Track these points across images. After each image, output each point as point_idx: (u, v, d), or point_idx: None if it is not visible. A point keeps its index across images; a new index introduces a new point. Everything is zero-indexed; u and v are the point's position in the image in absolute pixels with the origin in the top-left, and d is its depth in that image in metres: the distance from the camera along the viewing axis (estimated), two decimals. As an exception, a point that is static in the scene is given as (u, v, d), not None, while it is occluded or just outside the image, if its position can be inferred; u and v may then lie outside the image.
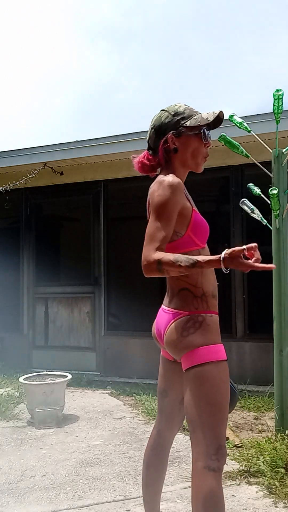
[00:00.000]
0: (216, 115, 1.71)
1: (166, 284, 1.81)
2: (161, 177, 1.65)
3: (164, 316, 1.75)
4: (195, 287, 1.67)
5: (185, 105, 1.76)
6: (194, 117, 1.71)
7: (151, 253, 1.54)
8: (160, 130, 1.73)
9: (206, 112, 1.74)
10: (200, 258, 1.51)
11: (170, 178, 1.62)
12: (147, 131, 1.82)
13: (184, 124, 1.70)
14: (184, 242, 1.67)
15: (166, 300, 1.79)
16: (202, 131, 1.71)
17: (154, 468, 1.88)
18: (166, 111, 1.74)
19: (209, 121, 1.70)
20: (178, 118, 1.71)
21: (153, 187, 1.66)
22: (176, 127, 1.70)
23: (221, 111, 1.72)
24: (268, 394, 4.33)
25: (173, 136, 1.70)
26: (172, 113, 1.72)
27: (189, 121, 1.70)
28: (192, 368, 1.61)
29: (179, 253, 1.57)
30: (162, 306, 1.81)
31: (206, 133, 1.72)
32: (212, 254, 1.62)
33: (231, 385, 1.67)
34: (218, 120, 1.74)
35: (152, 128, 1.76)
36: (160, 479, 1.90)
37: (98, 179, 5.85)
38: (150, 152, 1.79)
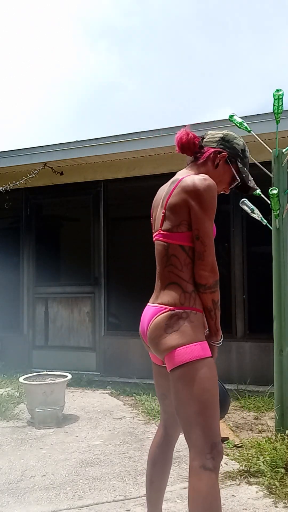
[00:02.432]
0: (251, 187, 1.86)
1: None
2: (206, 176, 1.68)
3: (149, 312, 1.75)
4: (186, 282, 1.67)
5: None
6: (245, 168, 1.86)
7: (215, 262, 1.67)
8: (224, 142, 1.83)
9: (251, 178, 1.88)
10: (218, 314, 1.70)
11: (213, 181, 1.68)
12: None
13: (237, 162, 1.83)
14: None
15: (153, 296, 1.80)
16: (236, 180, 1.85)
17: (160, 465, 1.89)
18: (242, 142, 1.87)
19: (248, 182, 1.83)
20: (240, 154, 1.84)
21: (197, 183, 1.65)
22: (233, 155, 1.82)
23: (256, 189, 1.89)
24: (268, 394, 4.33)
25: (225, 156, 1.81)
26: (243, 147, 1.86)
27: (240, 165, 1.84)
28: (176, 369, 1.61)
29: (188, 245, 1.67)
30: (149, 302, 1.81)
31: (234, 185, 1.86)
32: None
33: (221, 388, 1.70)
34: (247, 189, 1.88)
35: (223, 134, 1.84)
36: (165, 476, 1.91)
37: (98, 179, 5.85)
38: (201, 142, 1.84)
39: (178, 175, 1.78)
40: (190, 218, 1.66)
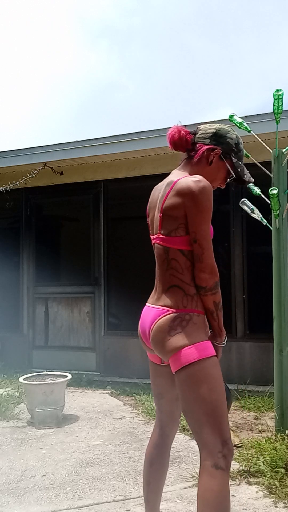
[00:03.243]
0: (246, 181, 1.83)
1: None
2: (201, 178, 1.66)
3: (150, 314, 1.74)
4: (188, 285, 1.67)
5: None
6: (240, 162, 1.82)
7: (215, 264, 1.66)
8: (217, 138, 1.79)
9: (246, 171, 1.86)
10: (221, 315, 1.70)
11: (208, 183, 1.66)
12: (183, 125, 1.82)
13: (231, 156, 1.80)
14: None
15: (153, 297, 1.78)
16: (231, 175, 1.82)
17: (157, 465, 1.89)
18: (235, 135, 1.83)
19: (243, 176, 1.81)
20: (234, 148, 1.80)
21: (191, 185, 1.63)
22: (226, 151, 1.79)
23: (251, 182, 1.88)
24: (268, 394, 4.33)
25: (219, 153, 1.78)
26: (236, 141, 1.81)
27: (235, 159, 1.80)
28: (182, 370, 1.61)
29: (187, 249, 1.66)
30: (148, 303, 1.80)
31: (230, 179, 1.83)
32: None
33: (225, 385, 1.71)
34: (242, 182, 1.85)
35: (215, 129, 1.80)
36: (162, 476, 1.91)
37: (98, 179, 5.85)
38: (193, 139, 1.80)
39: (172, 176, 1.76)
40: (187, 221, 1.65)
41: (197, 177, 1.66)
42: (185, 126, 1.84)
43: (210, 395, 1.58)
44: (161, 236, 1.72)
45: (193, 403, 1.59)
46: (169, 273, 1.70)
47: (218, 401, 1.59)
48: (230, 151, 1.79)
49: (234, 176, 1.82)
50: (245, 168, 1.84)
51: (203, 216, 1.63)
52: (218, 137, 1.79)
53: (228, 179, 1.84)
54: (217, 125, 1.82)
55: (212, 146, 1.77)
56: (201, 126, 1.83)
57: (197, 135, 1.81)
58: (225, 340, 1.73)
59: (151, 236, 1.82)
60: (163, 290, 1.72)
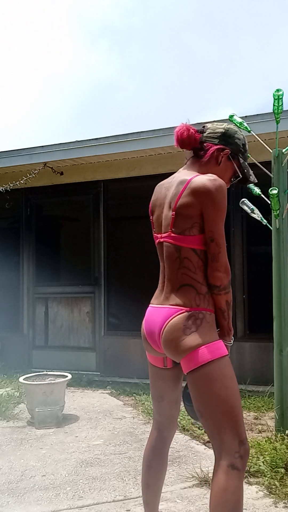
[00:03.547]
0: (250, 181, 1.86)
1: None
2: (216, 177, 1.67)
3: (160, 313, 1.71)
4: (200, 284, 1.66)
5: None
6: (246, 163, 1.85)
7: (228, 264, 1.67)
8: (226, 138, 1.79)
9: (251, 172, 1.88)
10: (231, 314, 1.71)
11: (223, 181, 1.67)
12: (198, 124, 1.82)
13: (239, 157, 1.81)
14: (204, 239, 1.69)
15: (158, 298, 1.76)
16: (237, 176, 1.84)
17: (155, 467, 1.88)
18: (242, 135, 1.84)
19: (248, 177, 1.83)
20: (242, 149, 1.82)
21: (208, 184, 1.63)
22: (235, 151, 1.80)
23: (255, 181, 1.89)
24: (268, 394, 4.33)
25: (228, 153, 1.79)
26: (243, 141, 1.83)
27: (242, 160, 1.82)
28: (197, 370, 1.59)
29: (200, 249, 1.66)
30: (153, 304, 1.78)
31: (236, 179, 1.85)
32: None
33: None
34: (247, 182, 1.88)
35: (224, 129, 1.80)
36: (161, 478, 1.90)
37: (98, 179, 5.85)
38: (201, 138, 1.80)
39: (184, 175, 1.73)
40: (202, 220, 1.64)
41: (212, 176, 1.66)
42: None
43: (226, 394, 1.58)
44: (172, 234, 1.69)
45: (210, 402, 1.58)
46: (181, 272, 1.68)
47: (234, 400, 1.59)
48: (237, 152, 1.80)
49: (241, 176, 1.83)
50: (249, 169, 1.85)
51: (220, 215, 1.64)
52: (227, 137, 1.79)
53: (233, 179, 1.84)
54: (225, 125, 1.82)
55: (221, 146, 1.77)
56: (209, 125, 1.83)
57: (205, 134, 1.80)
58: (233, 339, 1.73)
59: (157, 235, 1.80)
60: (173, 290, 1.70)
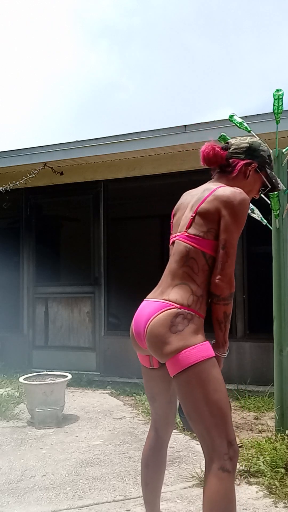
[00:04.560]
0: (278, 189, 1.91)
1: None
2: (241, 190, 1.72)
3: (150, 306, 1.71)
4: (198, 286, 1.67)
5: None
6: (273, 172, 1.90)
7: (233, 275, 1.67)
8: (251, 152, 1.84)
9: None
10: (228, 326, 1.71)
11: (247, 196, 1.72)
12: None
13: (266, 169, 1.86)
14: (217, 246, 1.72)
15: (154, 292, 1.77)
16: (268, 187, 1.90)
17: (153, 467, 1.88)
18: (266, 146, 1.90)
19: (277, 186, 1.88)
20: (267, 160, 1.87)
21: (232, 195, 1.68)
22: (262, 163, 1.85)
23: (284, 189, 1.98)
24: (268, 394, 4.33)
25: (255, 167, 1.84)
26: (268, 152, 1.89)
27: (269, 170, 1.88)
28: (183, 372, 1.59)
29: (209, 254, 1.69)
30: (147, 298, 1.79)
31: (265, 190, 1.92)
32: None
33: None
34: (275, 190, 1.93)
35: (248, 144, 1.86)
36: (160, 477, 1.91)
37: (98, 179, 5.85)
38: (227, 154, 1.85)
39: (211, 185, 1.79)
40: (219, 227, 1.68)
41: (238, 189, 1.71)
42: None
43: (214, 396, 1.57)
44: (186, 234, 1.73)
45: (197, 405, 1.58)
46: (183, 270, 1.70)
47: (222, 401, 1.58)
48: (264, 163, 1.85)
49: (269, 186, 1.88)
50: (277, 177, 1.90)
51: (237, 226, 1.68)
52: (252, 151, 1.84)
53: (262, 190, 1.90)
54: (248, 139, 1.87)
55: (248, 161, 1.83)
56: (232, 141, 1.89)
57: (230, 150, 1.86)
58: (227, 352, 1.73)
59: (172, 236, 1.84)
60: (170, 285, 1.71)
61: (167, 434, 1.90)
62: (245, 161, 1.82)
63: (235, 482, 2.56)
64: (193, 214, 1.73)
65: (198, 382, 1.57)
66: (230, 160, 1.84)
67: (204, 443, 1.59)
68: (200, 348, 1.60)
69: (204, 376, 1.58)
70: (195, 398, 1.58)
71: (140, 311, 1.78)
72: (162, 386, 1.82)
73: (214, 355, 1.63)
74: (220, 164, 1.84)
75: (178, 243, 1.76)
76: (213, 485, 1.53)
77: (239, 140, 1.87)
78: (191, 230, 1.72)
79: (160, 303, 1.68)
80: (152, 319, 1.66)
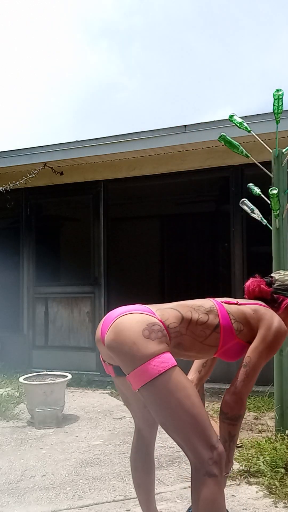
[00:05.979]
0: None
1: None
2: (283, 323, 1.77)
3: (122, 308, 1.65)
4: (186, 328, 1.64)
5: None
6: None
7: (246, 397, 1.68)
8: None
9: None
10: (233, 447, 1.73)
11: (286, 329, 1.76)
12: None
13: None
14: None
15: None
16: None
17: (141, 469, 1.88)
18: None
19: None
20: None
21: (274, 323, 1.74)
22: None
23: None
24: (268, 394, 4.33)
25: None
26: None
27: None
28: (151, 383, 1.49)
29: (225, 345, 1.72)
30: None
31: None
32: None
33: None
34: None
35: None
36: (151, 478, 1.90)
37: (98, 179, 5.84)
38: (272, 290, 1.91)
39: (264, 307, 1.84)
40: (249, 340, 1.71)
41: (282, 322, 1.76)
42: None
43: (186, 402, 1.49)
44: (230, 318, 1.73)
45: (172, 415, 1.49)
46: (197, 325, 1.67)
47: (196, 406, 1.50)
48: None
49: None
50: None
51: (266, 352, 1.70)
52: None
53: None
54: None
55: None
56: (276, 277, 1.94)
57: (275, 286, 1.91)
58: (231, 471, 1.73)
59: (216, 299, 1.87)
60: (168, 306, 1.69)
61: (150, 434, 1.88)
62: None
63: (236, 482, 2.59)
64: (240, 305, 1.78)
65: (168, 391, 1.49)
66: (275, 296, 1.89)
67: (186, 451, 1.53)
68: (165, 357, 1.52)
69: (173, 384, 1.49)
70: (167, 407, 1.49)
71: (108, 315, 1.70)
72: (133, 393, 1.73)
73: (176, 364, 1.54)
74: (271, 302, 1.89)
75: (210, 303, 1.75)
76: (199, 492, 1.48)
77: (284, 277, 1.93)
78: (232, 317, 1.73)
79: (141, 306, 1.64)
80: (123, 314, 1.59)
